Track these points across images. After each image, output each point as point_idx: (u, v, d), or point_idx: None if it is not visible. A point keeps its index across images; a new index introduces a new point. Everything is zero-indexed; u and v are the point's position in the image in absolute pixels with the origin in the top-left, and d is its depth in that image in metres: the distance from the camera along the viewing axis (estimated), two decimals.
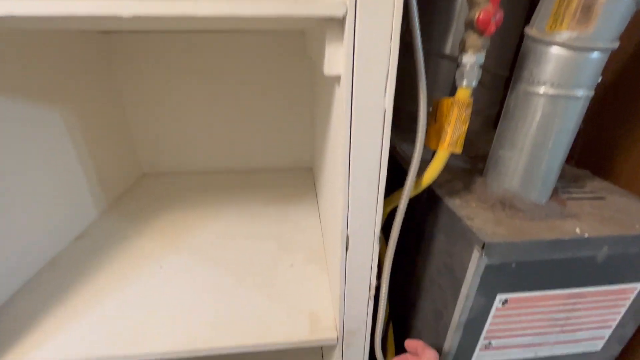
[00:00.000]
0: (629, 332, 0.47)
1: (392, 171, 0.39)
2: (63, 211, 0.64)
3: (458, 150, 0.37)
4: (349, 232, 0.38)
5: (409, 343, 0.43)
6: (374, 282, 0.41)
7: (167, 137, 0.90)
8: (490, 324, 0.42)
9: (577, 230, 0.37)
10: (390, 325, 0.57)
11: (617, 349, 0.48)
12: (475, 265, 0.37)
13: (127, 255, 0.62)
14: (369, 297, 0.42)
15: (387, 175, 0.34)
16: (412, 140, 0.35)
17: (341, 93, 0.32)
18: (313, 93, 0.83)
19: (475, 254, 0.36)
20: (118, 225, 0.71)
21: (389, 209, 0.46)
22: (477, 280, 0.38)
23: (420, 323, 0.53)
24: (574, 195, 0.45)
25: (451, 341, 0.43)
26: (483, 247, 0.35)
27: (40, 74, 0.58)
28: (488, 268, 0.37)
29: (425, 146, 0.36)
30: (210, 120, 0.89)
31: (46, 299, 0.52)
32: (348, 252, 0.39)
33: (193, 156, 0.94)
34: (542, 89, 0.37)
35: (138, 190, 0.86)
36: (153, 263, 0.60)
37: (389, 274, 0.41)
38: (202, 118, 0.89)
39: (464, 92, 0.36)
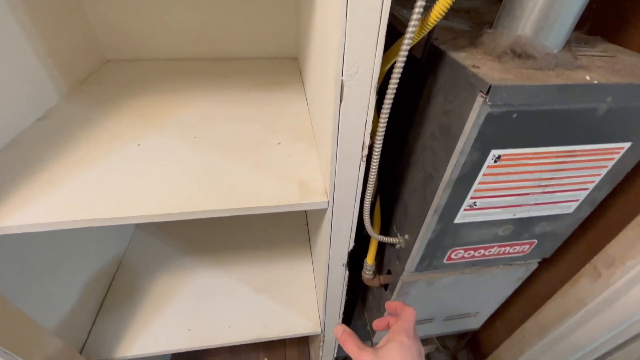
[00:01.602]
0: (602, 195, 0.49)
1: (392, 38, 0.34)
2: (18, 93, 0.56)
3: None
4: (343, 78, 0.34)
5: (389, 304, 0.42)
6: (367, 141, 0.39)
7: (131, 19, 0.77)
8: (479, 183, 0.43)
9: (587, 77, 0.35)
10: (378, 198, 0.58)
11: (587, 212, 0.52)
12: (476, 114, 0.35)
13: (98, 134, 0.57)
14: (361, 158, 0.41)
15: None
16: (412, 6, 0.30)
17: None
18: None
19: (478, 100, 0.34)
20: (84, 107, 0.64)
21: (387, 67, 0.42)
22: (475, 132, 0.36)
23: (407, 194, 0.55)
24: (586, 53, 0.42)
25: (438, 202, 0.44)
26: (488, 91, 0.33)
27: None
28: (488, 118, 0.35)
29: None
30: (180, 1, 0.76)
31: (16, 171, 0.48)
32: (342, 104, 0.36)
33: (162, 42, 0.82)
34: None
35: (102, 76, 0.76)
36: (129, 141, 0.56)
37: (384, 133, 0.39)
38: None
39: None
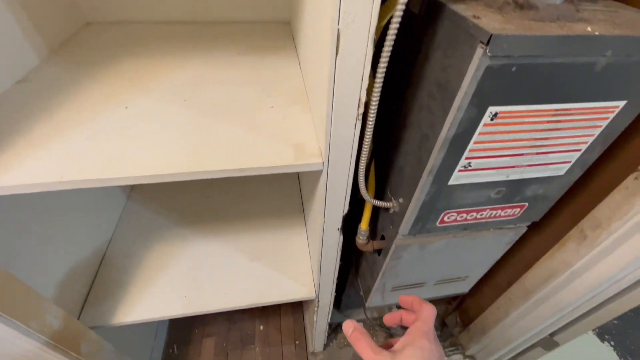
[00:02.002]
0: (593, 157, 0.50)
1: None
2: None
3: None
4: (340, 26, 0.32)
5: (403, 298, 0.36)
6: (363, 97, 0.39)
7: None
8: (474, 142, 0.42)
9: (589, 28, 0.34)
10: (373, 163, 0.58)
11: (577, 174, 0.53)
12: (475, 66, 0.34)
13: (82, 96, 0.55)
14: (357, 117, 0.40)
15: None
16: None
17: None
18: None
19: (478, 52, 0.33)
20: (66, 70, 0.61)
21: (384, 21, 0.40)
22: (474, 86, 0.35)
23: (403, 157, 0.54)
24: (587, 7, 0.40)
25: (433, 162, 0.44)
26: (489, 41, 0.32)
27: None
28: (488, 71, 0.34)
29: None
30: None
31: None
32: (338, 56, 0.35)
33: (147, 3, 0.78)
34: None
35: (84, 39, 0.72)
36: (116, 104, 0.53)
37: (380, 89, 0.38)
38: None
39: None
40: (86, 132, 0.48)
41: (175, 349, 1.12)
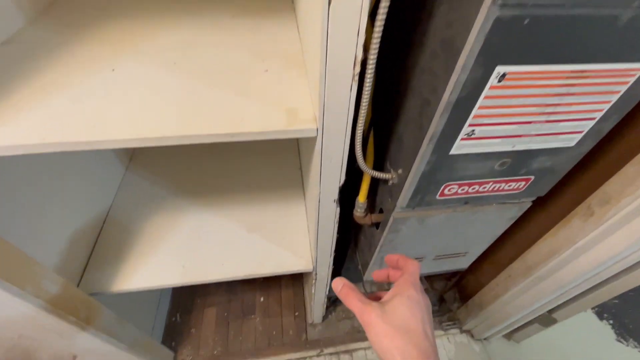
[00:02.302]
0: (608, 127, 0.47)
1: None
2: None
3: None
4: None
5: (389, 257, 0.38)
6: (359, 54, 0.36)
7: None
8: (479, 107, 0.40)
9: None
10: (372, 132, 0.56)
11: (589, 146, 0.50)
12: (483, 18, 0.31)
13: (69, 58, 0.52)
14: (353, 77, 0.38)
15: None
16: None
17: None
18: None
19: (487, 0, 0.30)
20: (52, 32, 0.58)
21: None
22: (480, 42, 0.32)
23: (403, 126, 0.52)
24: None
25: (434, 129, 0.42)
26: None
27: None
28: (497, 24, 0.31)
29: None
30: None
31: None
32: (331, 6, 0.31)
33: None
34: None
35: (72, 0, 0.69)
36: (103, 67, 0.51)
37: (378, 45, 0.35)
38: None
39: None
40: (71, 95, 0.46)
41: (178, 317, 1.15)
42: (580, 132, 0.47)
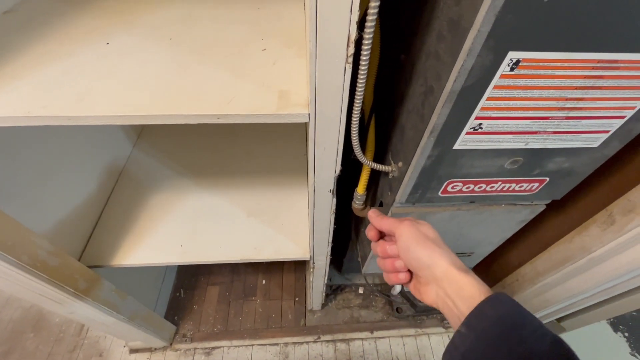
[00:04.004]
0: (639, 128, 0.41)
1: None
2: None
3: None
4: None
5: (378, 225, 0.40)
6: (353, 33, 0.32)
7: None
8: (488, 99, 0.35)
9: None
10: (373, 121, 0.52)
11: (615, 148, 0.44)
12: None
13: (66, 29, 0.51)
14: (346, 59, 0.34)
15: None
16: None
17: None
18: None
19: None
20: (54, 2, 0.57)
21: None
22: (490, 21, 0.28)
23: (405, 115, 0.48)
24: None
25: (436, 120, 0.38)
26: None
27: None
28: (510, 1, 0.26)
29: None
30: None
31: None
32: None
33: None
34: None
35: None
36: (98, 39, 0.50)
37: (375, 21, 0.31)
38: None
39: None
40: (63, 67, 0.45)
41: (182, 293, 1.18)
42: (607, 131, 0.41)
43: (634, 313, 1.14)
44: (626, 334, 1.10)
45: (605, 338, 1.09)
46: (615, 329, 1.11)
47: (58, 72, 0.44)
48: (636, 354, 1.06)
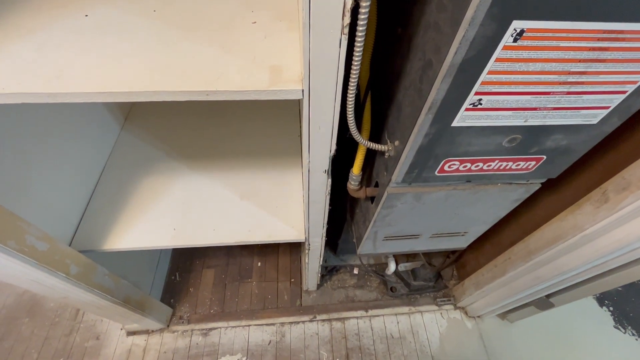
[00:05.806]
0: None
1: None
2: None
3: None
4: None
5: None
6: (349, 2, 0.30)
7: None
8: (489, 72, 0.34)
9: None
10: (369, 99, 0.50)
11: (613, 125, 0.44)
12: None
13: (37, 0, 0.47)
14: (342, 30, 0.32)
15: None
16: None
17: None
18: None
19: None
20: None
21: None
22: None
23: (402, 92, 0.46)
24: None
25: (434, 96, 0.37)
26: None
27: None
28: None
29: None
30: None
31: None
32: None
33: None
34: None
35: None
36: (75, 11, 0.46)
37: None
38: None
39: None
40: (37, 42, 0.42)
41: (177, 277, 1.18)
42: (607, 107, 0.41)
43: (620, 288, 1.18)
44: (611, 308, 1.14)
45: (591, 312, 1.13)
46: (601, 304, 1.15)
47: (33, 47, 0.41)
48: (619, 327, 1.10)
